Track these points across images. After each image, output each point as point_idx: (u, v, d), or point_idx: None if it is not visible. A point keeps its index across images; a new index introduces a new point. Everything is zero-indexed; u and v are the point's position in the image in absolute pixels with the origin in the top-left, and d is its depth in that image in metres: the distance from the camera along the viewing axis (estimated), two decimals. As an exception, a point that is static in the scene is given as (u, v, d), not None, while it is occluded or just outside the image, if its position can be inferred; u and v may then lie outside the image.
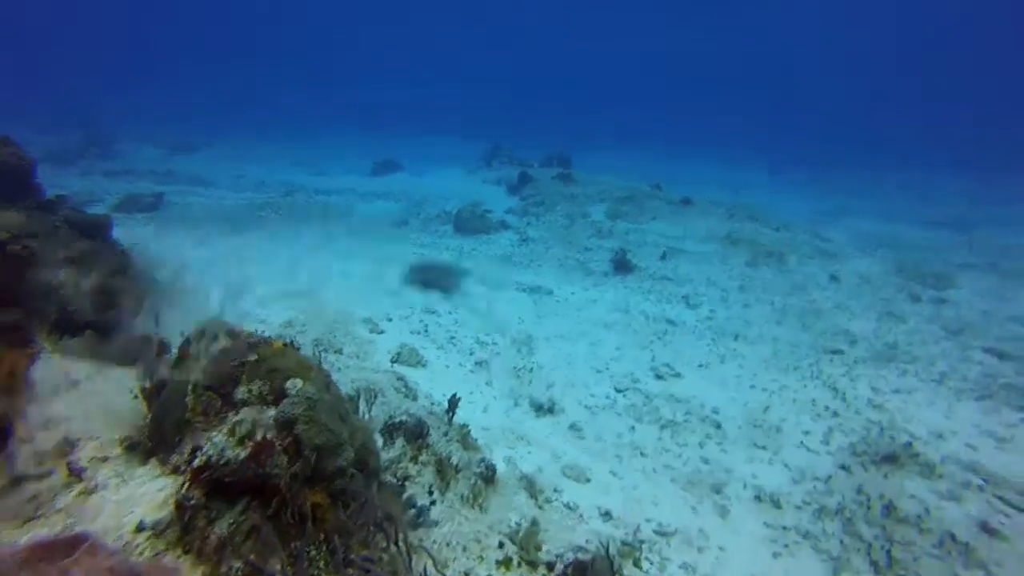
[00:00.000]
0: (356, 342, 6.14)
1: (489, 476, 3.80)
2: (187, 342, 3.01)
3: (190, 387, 2.59)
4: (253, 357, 2.63)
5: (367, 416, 3.72)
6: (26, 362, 2.64)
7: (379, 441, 3.57)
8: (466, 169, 22.41)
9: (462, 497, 3.31)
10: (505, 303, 8.71)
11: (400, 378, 5.37)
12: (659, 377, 6.59)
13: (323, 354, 5.48)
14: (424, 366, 6.10)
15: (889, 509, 4.27)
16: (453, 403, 4.51)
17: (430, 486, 3.18)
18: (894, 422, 5.74)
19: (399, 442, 3.45)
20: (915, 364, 7.39)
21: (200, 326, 3.05)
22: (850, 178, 31.16)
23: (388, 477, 3.21)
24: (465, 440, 4.30)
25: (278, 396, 2.52)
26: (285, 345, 2.64)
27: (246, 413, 2.44)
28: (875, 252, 13.73)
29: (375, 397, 4.68)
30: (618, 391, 6.23)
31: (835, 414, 5.82)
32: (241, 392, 2.56)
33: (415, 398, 5.09)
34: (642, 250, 12.36)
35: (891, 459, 4.95)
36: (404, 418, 3.64)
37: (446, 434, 4.18)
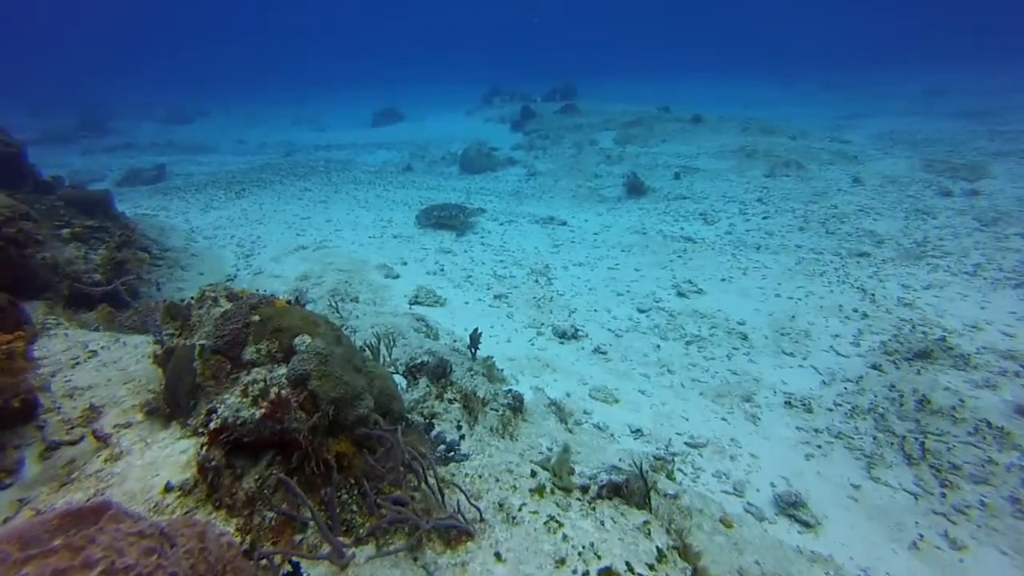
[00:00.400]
0: (372, 288, 6.12)
1: (517, 406, 3.81)
2: (187, 308, 2.97)
3: (196, 352, 2.56)
4: (255, 318, 2.56)
5: (387, 360, 3.71)
6: (23, 343, 2.62)
7: (403, 383, 3.58)
8: (465, 111, 21.67)
9: (491, 429, 3.32)
10: (519, 236, 8.57)
11: (420, 319, 5.36)
12: (681, 295, 6.49)
13: (340, 303, 5.48)
14: (443, 305, 6.07)
15: (922, 403, 4.22)
16: (475, 338, 4.49)
17: (458, 422, 3.19)
18: (926, 318, 5.59)
19: (423, 382, 3.44)
20: (947, 259, 7.14)
21: (200, 291, 3.00)
22: (864, 81, 29.52)
23: (415, 417, 3.22)
24: (491, 373, 4.31)
25: (288, 354, 2.46)
26: (289, 303, 2.57)
27: (257, 373, 2.40)
28: (897, 151, 13.09)
29: (394, 341, 4.69)
30: (641, 311, 6.16)
31: (864, 315, 5.69)
32: (249, 353, 2.51)
33: (436, 337, 5.09)
34: (654, 172, 11.97)
35: (924, 355, 4.85)
36: (426, 358, 3.62)
37: (471, 369, 4.18)
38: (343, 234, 8.37)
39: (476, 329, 4.59)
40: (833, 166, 11.67)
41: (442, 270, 7.04)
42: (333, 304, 5.27)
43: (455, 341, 5.23)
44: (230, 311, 2.64)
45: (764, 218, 8.98)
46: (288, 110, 29.16)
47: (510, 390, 3.96)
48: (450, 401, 3.34)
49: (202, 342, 2.61)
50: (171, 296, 5.97)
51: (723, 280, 6.83)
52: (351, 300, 5.67)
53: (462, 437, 3.20)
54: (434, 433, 3.09)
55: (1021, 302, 5.94)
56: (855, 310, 5.81)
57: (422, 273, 6.92)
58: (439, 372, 3.50)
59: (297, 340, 2.49)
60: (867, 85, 27.67)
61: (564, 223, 9.27)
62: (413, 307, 5.90)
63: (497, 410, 3.70)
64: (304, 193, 10.84)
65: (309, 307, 5.65)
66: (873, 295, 6.09)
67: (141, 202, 10.42)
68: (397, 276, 6.73)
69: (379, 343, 3.62)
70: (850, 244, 7.72)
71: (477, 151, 13.63)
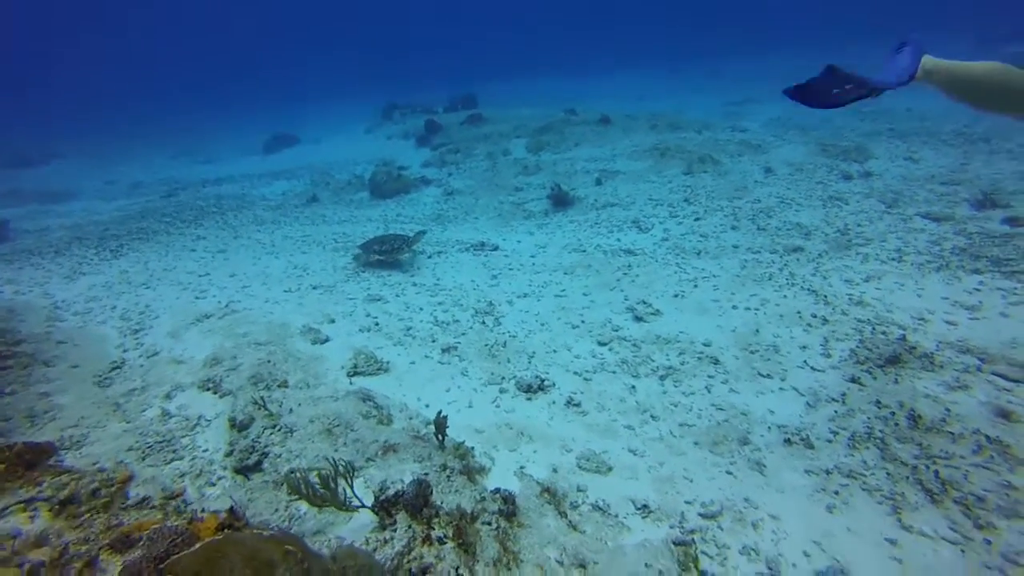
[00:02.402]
0: (300, 364, 5.20)
1: (511, 511, 3.20)
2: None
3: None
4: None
5: (348, 494, 2.94)
6: None
7: (372, 521, 2.84)
8: (364, 128, 20.46)
9: (493, 562, 2.69)
10: (452, 270, 7.89)
11: (366, 398, 4.57)
12: (639, 319, 6.15)
13: (266, 393, 4.56)
14: (387, 371, 5.29)
15: (914, 419, 4.10)
16: (440, 425, 3.81)
17: (456, 568, 2.53)
18: (880, 315, 5.64)
19: (402, 521, 2.73)
20: (870, 245, 7.38)
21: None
22: (742, 67, 31.59)
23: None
24: (467, 465, 3.66)
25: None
26: (222, 528, 1.77)
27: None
28: (791, 136, 13.82)
29: (342, 437, 3.91)
30: (602, 344, 5.74)
31: (824, 320, 5.64)
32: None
33: (390, 420, 4.34)
34: (575, 179, 11.73)
35: (894, 360, 4.80)
36: (399, 487, 2.90)
37: (444, 467, 3.51)
38: (252, 291, 7.25)
39: (440, 413, 3.91)
40: (743, 157, 12.04)
41: (376, 325, 6.22)
42: (258, 400, 4.34)
43: (411, 419, 4.51)
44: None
45: (696, 219, 8.95)
46: (164, 142, 26.25)
47: (498, 491, 3.34)
48: (440, 541, 2.66)
49: None
50: (31, 415, 4.73)
51: (676, 296, 6.59)
52: (279, 386, 4.74)
53: (461, 586, 2.55)
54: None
55: (948, 285, 6.18)
56: (814, 315, 5.75)
57: (355, 331, 6.07)
58: (420, 502, 2.81)
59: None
60: (745, 70, 29.56)
61: (496, 247, 8.71)
62: (353, 380, 5.07)
63: (490, 523, 3.06)
64: (197, 243, 9.43)
65: (226, 402, 4.69)
66: (825, 296, 6.08)
67: (-18, 277, 8.56)
68: (326, 340, 5.83)
69: (335, 474, 2.84)
70: (783, 239, 7.82)
71: (386, 173, 12.71)
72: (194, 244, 9.30)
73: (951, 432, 3.93)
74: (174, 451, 4.24)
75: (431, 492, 2.91)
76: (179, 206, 12.59)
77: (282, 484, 3.54)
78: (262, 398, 4.29)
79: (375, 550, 2.57)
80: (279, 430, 4.02)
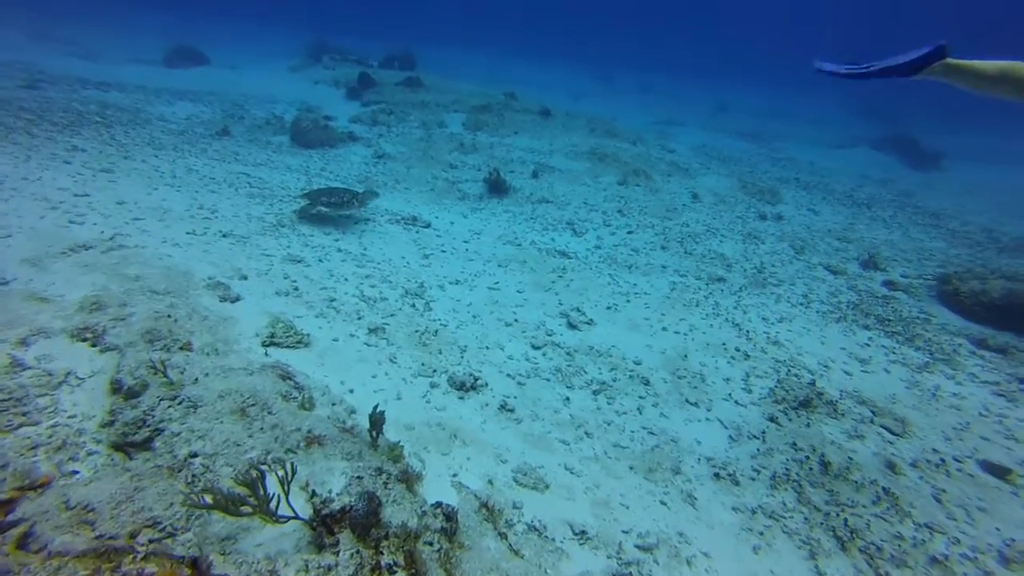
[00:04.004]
0: (207, 324, 4.39)
1: (452, 530, 2.89)
2: None
3: None
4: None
5: (282, 504, 2.44)
6: None
7: (303, 537, 2.37)
8: (289, 66, 18.47)
9: (443, 597, 2.37)
10: (380, 242, 7.26)
11: (285, 376, 3.98)
12: (572, 326, 6.05)
13: (165, 355, 3.79)
14: (307, 346, 4.67)
15: (824, 464, 4.38)
16: (377, 422, 3.39)
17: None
18: (793, 358, 6.02)
19: (346, 542, 2.29)
20: (782, 287, 7.93)
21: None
22: (670, 86, 33.11)
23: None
24: (404, 471, 3.27)
25: None
26: None
27: None
28: (715, 167, 14.62)
29: (262, 415, 3.37)
30: (535, 348, 5.55)
31: (746, 355, 5.91)
32: None
33: (311, 405, 3.80)
34: (511, 167, 11.44)
35: (806, 404, 5.13)
36: (348, 500, 2.45)
37: (380, 471, 3.10)
38: (147, 226, 6.09)
39: (376, 408, 3.47)
40: (672, 178, 12.48)
41: (296, 289, 5.51)
42: (155, 363, 3.57)
43: (334, 405, 4.00)
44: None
45: (628, 232, 9.07)
46: (15, 13, 21.80)
47: (439, 504, 3.00)
48: (391, 570, 2.27)
49: None
50: None
51: (608, 308, 6.57)
52: (180, 348, 3.95)
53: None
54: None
55: (845, 337, 6.79)
56: (737, 349, 6.00)
57: (270, 294, 5.31)
58: (370, 520, 2.39)
59: None
60: (672, 91, 30.99)
61: (428, 225, 8.19)
62: (269, 351, 4.40)
63: (432, 543, 2.73)
64: (74, 154, 7.78)
65: (109, 359, 3.84)
66: (747, 332, 6.39)
67: None
68: (237, 299, 5.02)
69: (262, 477, 2.32)
70: (707, 267, 8.15)
71: (312, 121, 11.51)
72: (69, 156, 7.66)
73: (855, 481, 4.25)
74: (24, 413, 3.36)
75: (381, 508, 2.50)
76: (46, 103, 10.41)
77: (179, 470, 2.92)
78: (162, 361, 3.53)
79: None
80: (179, 403, 3.32)
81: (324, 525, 2.33)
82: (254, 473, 2.34)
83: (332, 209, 7.28)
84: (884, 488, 4.18)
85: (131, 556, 2.27)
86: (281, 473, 2.32)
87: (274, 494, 2.44)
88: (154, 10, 31.97)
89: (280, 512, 2.41)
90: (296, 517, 2.39)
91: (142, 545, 2.53)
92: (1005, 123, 24.80)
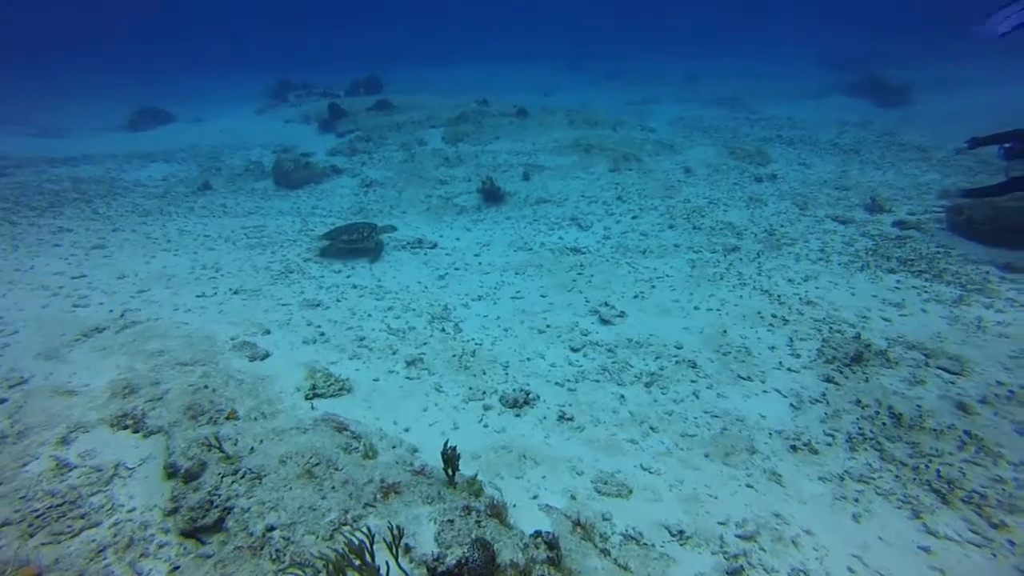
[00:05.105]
0: (246, 388, 4.24)
1: (557, 558, 2.77)
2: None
3: None
4: None
5: (391, 568, 2.30)
6: None
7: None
8: (255, 108, 18.30)
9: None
10: (392, 269, 7.14)
11: (340, 427, 3.84)
12: (605, 322, 5.94)
13: (214, 429, 3.64)
14: (350, 391, 4.53)
15: (895, 416, 4.30)
16: (451, 459, 3.26)
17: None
18: (830, 315, 5.94)
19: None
20: (796, 245, 7.87)
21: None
22: (638, 68, 33.14)
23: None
24: (492, 505, 3.14)
25: None
26: None
27: None
28: (697, 138, 14.58)
29: (330, 472, 3.24)
30: (575, 351, 5.44)
31: (784, 320, 5.82)
32: None
33: (374, 453, 3.66)
34: (501, 173, 11.34)
35: (858, 359, 5.04)
36: (461, 553, 2.31)
37: (468, 510, 2.96)
38: (154, 296, 5.94)
39: (447, 444, 3.34)
40: (661, 156, 12.42)
41: (322, 335, 5.36)
42: (209, 439, 3.42)
43: (395, 448, 3.87)
44: None
45: (633, 218, 8.98)
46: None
47: (538, 534, 2.88)
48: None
49: None
50: None
51: (636, 297, 6.47)
52: (226, 418, 3.80)
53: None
54: None
55: (873, 284, 6.72)
56: (774, 315, 5.92)
57: (298, 343, 5.17)
58: (488, 570, 2.26)
59: None
60: (640, 72, 30.98)
61: (435, 245, 8.06)
62: (314, 404, 4.26)
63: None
64: (61, 236, 7.61)
65: (155, 443, 3.68)
66: (778, 297, 6.31)
67: None
68: (267, 355, 4.87)
69: (372, 539, 2.19)
70: (719, 239, 8.08)
71: (292, 160, 11.35)
72: (56, 238, 7.49)
73: (932, 428, 4.16)
74: (82, 516, 3.21)
75: (495, 553, 2.37)
76: (19, 188, 10.20)
77: (260, 548, 2.78)
78: (215, 436, 3.39)
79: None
80: (242, 476, 3.18)
81: (440, 580, 2.21)
82: (357, 539, 2.20)
83: (353, 244, 7.50)
84: (966, 431, 4.10)
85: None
86: (389, 538, 2.18)
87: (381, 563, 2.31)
88: (108, 72, 31.64)
89: None
90: (407, 577, 2.26)
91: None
92: (960, 50, 25.00)
